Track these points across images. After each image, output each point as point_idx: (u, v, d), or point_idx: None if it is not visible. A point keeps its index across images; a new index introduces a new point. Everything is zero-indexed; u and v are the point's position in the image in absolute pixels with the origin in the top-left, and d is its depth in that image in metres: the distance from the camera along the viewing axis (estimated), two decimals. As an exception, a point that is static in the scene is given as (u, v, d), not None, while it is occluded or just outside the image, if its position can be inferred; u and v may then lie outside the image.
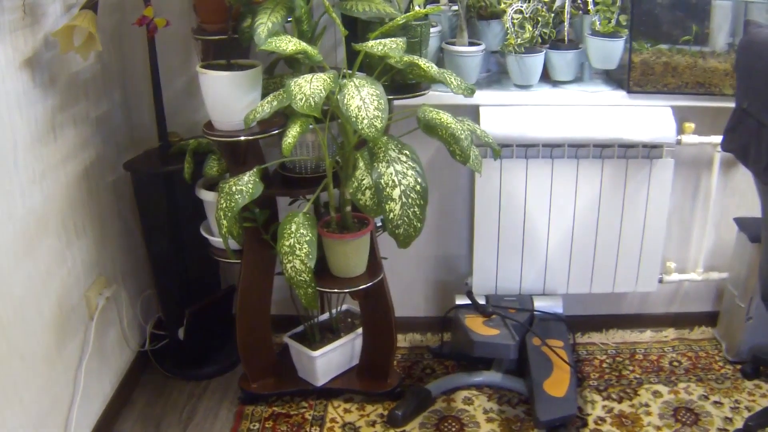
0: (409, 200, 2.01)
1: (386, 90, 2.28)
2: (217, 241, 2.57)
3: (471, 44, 2.59)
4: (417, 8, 2.27)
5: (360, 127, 1.94)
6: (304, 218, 2.19)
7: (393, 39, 2.07)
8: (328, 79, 2.03)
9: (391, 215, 2.01)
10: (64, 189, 2.34)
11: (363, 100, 1.97)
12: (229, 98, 2.22)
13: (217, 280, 3.00)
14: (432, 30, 2.57)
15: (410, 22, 2.22)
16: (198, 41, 2.43)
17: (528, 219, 2.72)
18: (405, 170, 2.03)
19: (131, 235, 2.81)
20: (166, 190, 2.61)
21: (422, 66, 2.13)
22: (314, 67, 2.24)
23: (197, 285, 2.85)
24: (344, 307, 2.85)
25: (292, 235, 2.17)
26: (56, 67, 2.29)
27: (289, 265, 2.16)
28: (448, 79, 2.19)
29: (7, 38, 2.02)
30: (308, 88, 1.99)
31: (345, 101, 1.98)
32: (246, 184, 2.18)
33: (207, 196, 2.54)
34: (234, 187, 2.18)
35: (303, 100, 1.96)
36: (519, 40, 2.50)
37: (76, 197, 2.41)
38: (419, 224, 2.04)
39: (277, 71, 2.54)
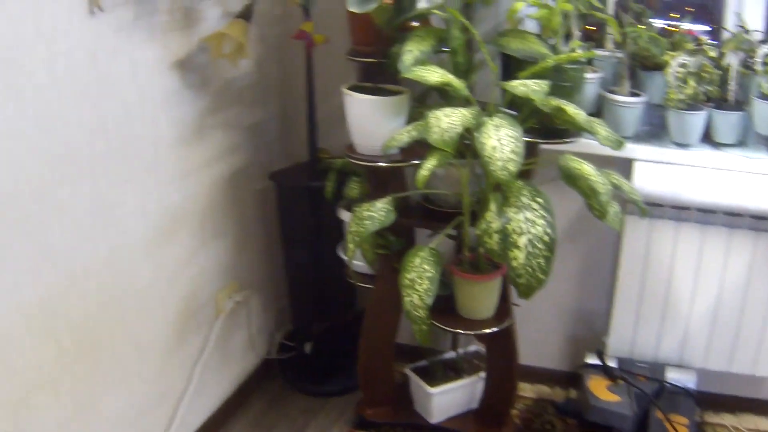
0: (535, 250, 1.92)
1: (535, 133, 2.22)
2: (353, 263, 2.57)
3: (632, 94, 2.46)
4: (576, 51, 2.19)
5: (492, 168, 1.87)
6: (429, 253, 2.15)
7: (537, 81, 1.98)
8: (468, 115, 1.98)
9: (515, 263, 1.93)
10: (206, 191, 2.41)
11: (500, 140, 1.90)
12: (371, 122, 2.21)
13: (353, 301, 3.00)
14: (593, 76, 2.46)
15: (563, 65, 2.13)
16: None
17: (672, 284, 2.54)
18: (535, 218, 1.94)
19: (272, 244, 2.84)
20: (310, 204, 2.63)
21: (569, 112, 2.04)
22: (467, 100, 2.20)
23: (332, 303, 2.85)
24: (473, 347, 2.77)
25: (415, 269, 2.13)
26: (210, 72, 2.36)
27: (407, 299, 2.13)
28: (595, 128, 2.08)
29: (158, 38, 2.10)
30: (445, 122, 1.95)
31: (481, 140, 1.92)
32: (378, 211, 2.16)
33: (346, 216, 2.54)
34: (366, 213, 2.17)
35: (438, 134, 1.92)
36: (680, 95, 2.35)
37: (217, 200, 2.48)
38: (543, 276, 1.94)
39: (432, 100, 2.51)
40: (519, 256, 1.92)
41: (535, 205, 1.96)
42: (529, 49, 2.14)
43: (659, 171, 2.44)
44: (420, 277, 2.11)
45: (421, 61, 2.07)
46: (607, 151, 2.27)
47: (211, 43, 2.23)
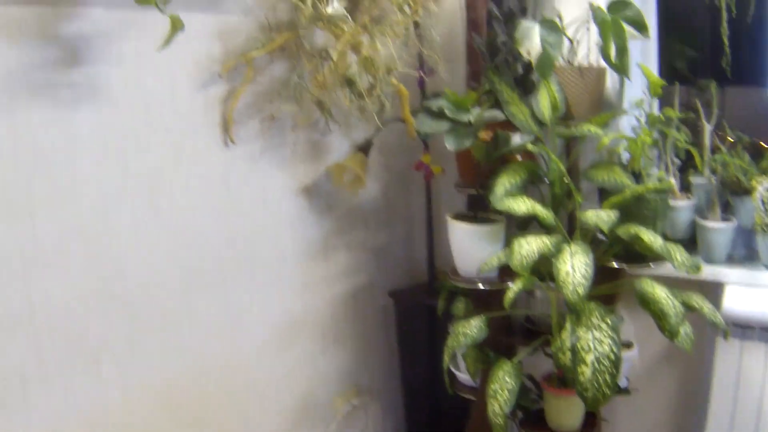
0: (601, 366, 2.06)
1: (621, 257, 2.38)
2: (460, 375, 2.76)
3: (724, 219, 2.56)
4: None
5: (564, 291, 2.05)
6: (512, 367, 2.32)
7: (608, 211, 2.17)
8: (548, 243, 2.18)
9: (582, 378, 2.07)
10: (328, 303, 2.70)
11: (573, 266, 2.09)
12: (469, 248, 2.44)
13: (466, 412, 3.15)
14: (687, 203, 2.58)
15: (644, 195, 2.30)
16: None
17: (764, 409, 2.55)
18: (602, 338, 2.09)
19: (391, 354, 3.06)
20: (426, 321, 2.86)
21: (644, 239, 2.19)
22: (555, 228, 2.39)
23: (448, 415, 3.01)
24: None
25: (498, 381, 2.30)
26: (336, 197, 2.68)
27: (490, 407, 2.29)
28: (672, 254, 2.21)
29: (286, 167, 2.46)
30: (525, 249, 2.16)
31: (557, 265, 2.11)
32: (472, 328, 2.37)
33: (455, 332, 2.76)
34: (461, 329, 2.38)
35: (518, 259, 2.13)
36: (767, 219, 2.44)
37: (339, 312, 2.76)
38: (608, 391, 2.06)
39: (534, 227, 2.71)
40: (586, 372, 2.06)
41: (603, 326, 2.10)
42: (613, 180, 2.33)
43: (750, 294, 2.50)
44: (501, 387, 2.27)
45: (510, 193, 2.30)
46: (696, 275, 2.39)
47: (332, 172, 2.56)
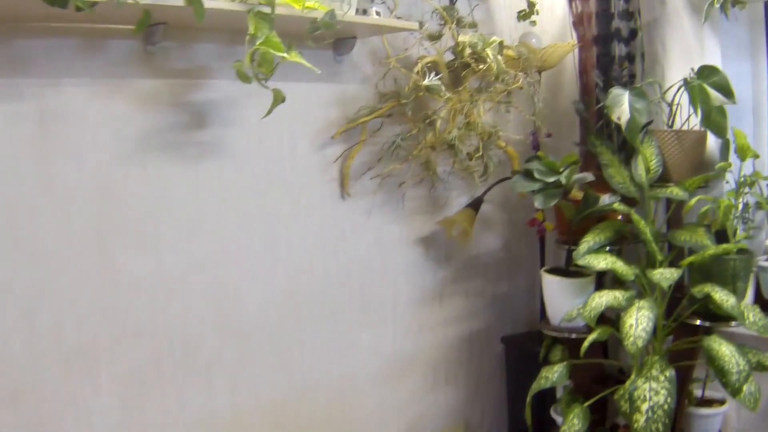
0: (654, 416, 2.19)
1: (705, 315, 2.48)
2: (557, 419, 2.91)
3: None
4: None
5: (625, 342, 2.21)
6: (581, 410, 2.47)
7: (671, 270, 2.31)
8: (619, 297, 2.35)
9: (636, 425, 2.20)
10: (441, 344, 2.96)
11: (637, 320, 2.24)
12: (558, 299, 2.63)
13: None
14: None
15: (723, 256, 2.40)
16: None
17: None
18: (658, 388, 2.21)
19: (501, 396, 3.22)
20: (534, 366, 3.04)
21: (715, 298, 2.29)
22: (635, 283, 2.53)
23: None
24: None
25: (569, 422, 2.45)
26: (454, 248, 2.95)
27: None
28: (743, 314, 2.30)
29: (403, 220, 2.77)
30: (596, 302, 2.34)
31: (624, 318, 2.27)
32: (554, 373, 2.56)
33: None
34: (545, 373, 2.58)
35: (588, 311, 2.32)
36: None
37: (453, 353, 3.01)
38: (660, 440, 2.20)
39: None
40: (639, 420, 2.20)
41: (661, 378, 2.23)
42: (694, 241, 2.44)
43: None
44: (570, 428, 2.44)
45: (594, 250, 2.48)
46: None
47: (444, 225, 2.84)
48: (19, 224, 1.96)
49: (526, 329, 3.21)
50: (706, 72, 2.54)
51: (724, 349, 2.26)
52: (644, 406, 2.21)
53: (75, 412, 2.07)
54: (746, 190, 2.56)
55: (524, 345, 3.06)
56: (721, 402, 2.65)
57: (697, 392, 2.70)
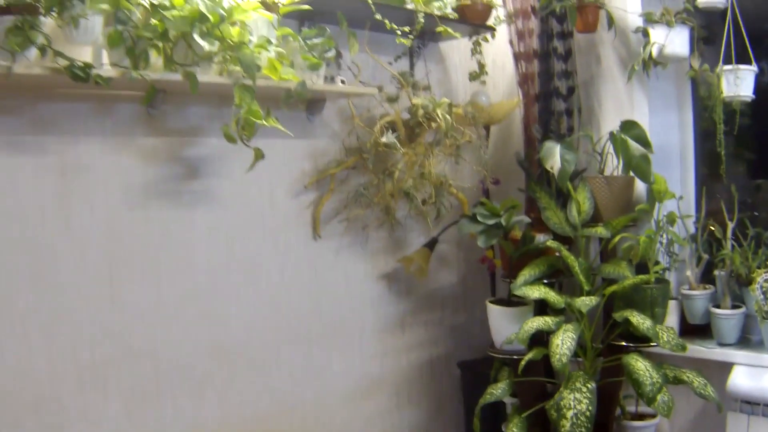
0: (578, 421, 2.57)
1: (631, 337, 2.85)
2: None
3: (734, 307, 2.94)
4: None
5: (552, 360, 2.61)
6: (519, 420, 2.87)
7: (591, 297, 2.72)
8: (549, 321, 2.75)
9: (562, 430, 2.59)
10: (404, 368, 3.35)
11: (563, 341, 2.65)
12: (500, 326, 3.01)
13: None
14: (704, 293, 3.02)
15: (642, 285, 2.79)
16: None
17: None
18: (581, 398, 2.60)
19: (459, 416, 3.60)
20: (487, 387, 3.41)
21: (632, 321, 2.69)
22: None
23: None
24: None
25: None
26: (414, 283, 3.35)
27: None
28: (658, 335, 2.69)
29: (368, 258, 3.18)
30: (529, 326, 2.74)
31: (552, 339, 2.67)
32: (498, 390, 2.96)
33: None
34: (490, 390, 2.98)
35: (522, 334, 2.72)
36: (766, 307, 2.80)
37: (415, 376, 3.39)
38: (585, 443, 2.59)
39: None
40: (566, 425, 2.59)
41: (584, 389, 2.63)
42: (617, 273, 2.85)
43: (755, 373, 2.83)
44: (510, 432, 2.84)
45: (530, 282, 2.89)
46: (711, 355, 2.89)
47: (403, 263, 3.25)
48: (42, 260, 2.35)
49: (481, 355, 3.58)
50: (628, 126, 2.98)
51: (640, 365, 2.66)
52: (569, 413, 2.60)
53: (88, 419, 2.44)
54: (667, 227, 2.97)
55: (478, 369, 3.44)
56: (653, 416, 3.02)
57: (632, 408, 3.08)
